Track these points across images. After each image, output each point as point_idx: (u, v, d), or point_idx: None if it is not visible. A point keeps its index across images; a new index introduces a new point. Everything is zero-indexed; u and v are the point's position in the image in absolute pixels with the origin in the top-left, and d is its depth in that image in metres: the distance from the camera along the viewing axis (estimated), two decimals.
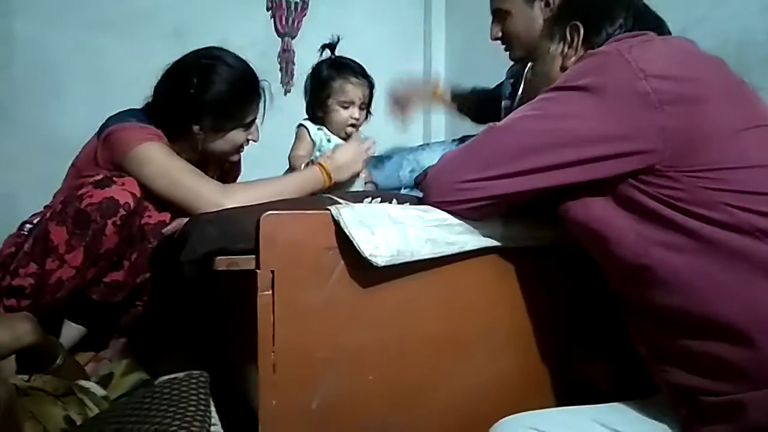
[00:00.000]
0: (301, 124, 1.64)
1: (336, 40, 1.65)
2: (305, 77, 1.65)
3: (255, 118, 1.44)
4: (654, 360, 0.91)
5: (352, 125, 1.61)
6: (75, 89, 2.51)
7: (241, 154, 1.52)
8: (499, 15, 1.62)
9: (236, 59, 1.40)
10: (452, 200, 0.99)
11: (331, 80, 1.60)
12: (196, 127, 1.37)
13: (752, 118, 0.88)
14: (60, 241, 1.20)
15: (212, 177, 1.36)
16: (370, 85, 1.65)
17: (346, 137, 1.61)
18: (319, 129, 1.61)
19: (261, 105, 1.44)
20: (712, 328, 0.81)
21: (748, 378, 0.79)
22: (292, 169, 1.57)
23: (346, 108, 1.60)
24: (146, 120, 1.37)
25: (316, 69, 1.65)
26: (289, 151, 1.63)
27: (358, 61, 1.66)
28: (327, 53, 1.64)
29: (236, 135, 1.42)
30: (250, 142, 1.47)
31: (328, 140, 1.61)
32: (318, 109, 1.63)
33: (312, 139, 1.61)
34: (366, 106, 1.64)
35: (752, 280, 0.80)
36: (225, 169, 1.59)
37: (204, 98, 1.34)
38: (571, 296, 1.12)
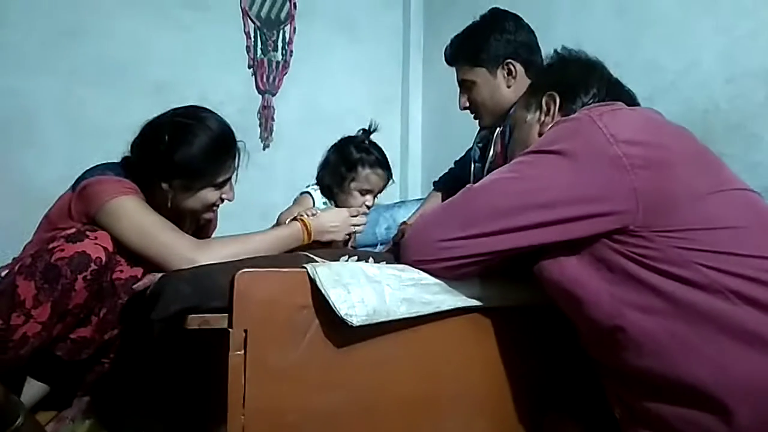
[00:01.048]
0: (307, 192, 1.65)
1: (374, 127, 1.68)
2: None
3: (228, 178, 1.44)
4: (628, 422, 0.90)
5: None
6: (51, 139, 2.50)
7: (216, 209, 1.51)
8: (465, 85, 1.66)
9: (214, 120, 1.40)
10: (430, 259, 0.99)
11: (359, 165, 1.62)
12: (165, 185, 1.36)
13: (717, 182, 0.91)
14: (27, 295, 1.17)
15: (188, 232, 1.35)
16: (390, 178, 1.68)
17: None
18: (324, 203, 1.62)
19: (236, 164, 1.43)
20: (685, 392, 0.81)
21: None
22: (278, 224, 1.56)
23: (363, 195, 1.62)
24: (123, 174, 1.36)
25: (347, 148, 1.66)
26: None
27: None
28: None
29: (207, 194, 1.41)
30: (225, 201, 1.46)
31: None
32: (334, 184, 1.64)
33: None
34: (378, 195, 1.66)
35: (723, 344, 0.81)
36: (201, 224, 1.58)
37: (174, 157, 1.33)
38: (546, 357, 1.11)
